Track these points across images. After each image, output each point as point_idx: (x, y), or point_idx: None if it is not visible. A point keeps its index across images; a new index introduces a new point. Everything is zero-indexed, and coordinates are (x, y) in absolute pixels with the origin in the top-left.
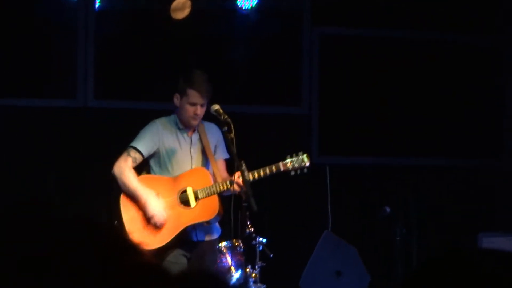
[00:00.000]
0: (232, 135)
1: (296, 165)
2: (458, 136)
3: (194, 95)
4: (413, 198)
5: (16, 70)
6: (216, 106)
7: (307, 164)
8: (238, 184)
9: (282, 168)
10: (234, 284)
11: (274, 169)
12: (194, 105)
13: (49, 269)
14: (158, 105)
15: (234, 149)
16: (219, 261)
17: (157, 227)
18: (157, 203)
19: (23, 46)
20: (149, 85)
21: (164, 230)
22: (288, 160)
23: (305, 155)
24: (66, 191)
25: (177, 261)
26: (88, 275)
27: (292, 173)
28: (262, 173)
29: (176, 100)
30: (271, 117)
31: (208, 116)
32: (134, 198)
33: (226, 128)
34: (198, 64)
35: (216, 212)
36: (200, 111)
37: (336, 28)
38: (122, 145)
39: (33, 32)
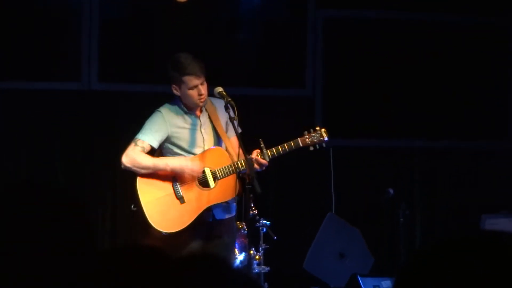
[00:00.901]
0: (236, 117)
1: (315, 140)
2: (462, 118)
3: (190, 80)
4: (416, 180)
5: (20, 53)
6: (220, 89)
7: (326, 139)
8: (258, 162)
9: (301, 144)
10: (238, 266)
11: (293, 145)
12: (195, 87)
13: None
14: (162, 87)
15: (238, 132)
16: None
17: (184, 201)
18: (179, 159)
19: (27, 29)
20: (153, 67)
21: (184, 213)
22: (307, 136)
23: (323, 130)
24: (71, 174)
25: (193, 246)
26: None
27: (311, 148)
28: (281, 150)
29: (176, 91)
30: (275, 99)
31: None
32: (152, 180)
33: (229, 110)
34: (202, 47)
35: (236, 192)
36: (203, 89)
37: (340, 10)
38: (127, 128)
39: (37, 15)
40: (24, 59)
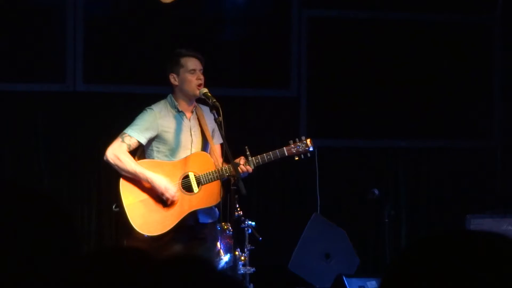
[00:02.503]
0: (220, 118)
1: (300, 150)
2: (447, 117)
3: (191, 62)
4: (401, 181)
5: (4, 55)
6: (205, 90)
7: (311, 148)
8: (242, 169)
9: (286, 153)
10: (223, 267)
11: (278, 154)
12: (194, 72)
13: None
14: (148, 88)
15: (223, 133)
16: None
17: (165, 209)
18: (162, 178)
19: (10, 30)
20: (138, 68)
21: (167, 217)
22: (292, 145)
23: (308, 140)
24: (56, 175)
25: (175, 250)
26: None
27: (296, 158)
28: (266, 158)
29: (173, 79)
30: (260, 100)
31: (198, 100)
32: (135, 182)
33: (214, 111)
34: (187, 46)
35: (220, 198)
36: (202, 77)
37: (324, 10)
38: (111, 129)
39: (21, 16)
40: (8, 61)
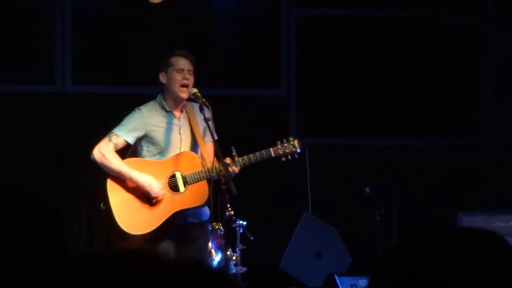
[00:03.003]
0: (211, 118)
1: (287, 151)
2: (437, 116)
3: (179, 61)
4: (392, 179)
5: None
6: (194, 90)
7: (298, 150)
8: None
9: (273, 154)
10: (215, 267)
11: (265, 154)
12: (182, 71)
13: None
14: (137, 89)
15: (214, 133)
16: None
17: (151, 209)
18: (147, 177)
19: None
20: (127, 69)
21: (153, 215)
22: (279, 146)
23: (296, 141)
24: (46, 176)
25: (164, 249)
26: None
27: (283, 159)
28: (252, 159)
29: (162, 77)
30: (250, 99)
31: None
32: (122, 181)
33: (204, 111)
34: (176, 46)
35: (206, 198)
36: (189, 78)
37: (314, 9)
38: (100, 130)
39: (10, 18)
40: None
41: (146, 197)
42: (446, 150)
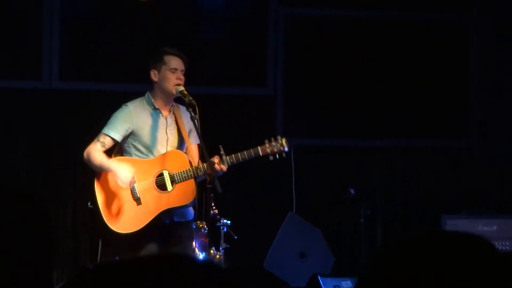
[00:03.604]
0: (197, 116)
1: (275, 150)
2: (424, 117)
3: (173, 60)
4: (377, 180)
5: None
6: (181, 88)
7: (286, 148)
8: (216, 169)
9: (261, 153)
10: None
11: (252, 153)
12: (175, 71)
13: None
14: (125, 86)
15: (199, 130)
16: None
17: (137, 208)
18: (119, 165)
19: None
20: (115, 66)
21: (140, 214)
22: (267, 145)
23: (283, 140)
24: (33, 172)
25: (150, 248)
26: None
27: (271, 157)
28: (240, 158)
29: (154, 75)
30: (236, 98)
31: (176, 99)
32: (109, 180)
33: (190, 109)
34: (164, 44)
35: (194, 197)
36: (183, 78)
37: (301, 8)
38: (88, 126)
39: None
40: None
41: (133, 196)
42: (432, 151)
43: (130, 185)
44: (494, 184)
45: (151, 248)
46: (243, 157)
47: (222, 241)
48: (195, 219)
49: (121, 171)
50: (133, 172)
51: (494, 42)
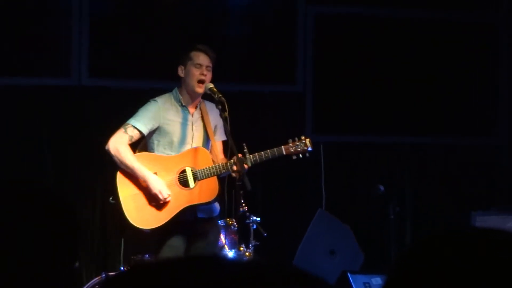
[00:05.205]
0: (226, 113)
1: (299, 149)
2: (452, 114)
3: (199, 56)
4: (407, 177)
5: (10, 49)
6: (210, 85)
7: (310, 148)
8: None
9: (284, 152)
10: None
11: (276, 152)
12: (200, 66)
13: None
14: (152, 83)
15: (228, 128)
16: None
17: (159, 205)
18: (158, 180)
19: (16, 24)
20: (143, 63)
21: (162, 210)
22: (291, 144)
23: (307, 140)
24: (61, 169)
25: (175, 244)
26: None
27: (294, 157)
28: (264, 156)
29: (181, 71)
30: (266, 95)
31: (205, 96)
32: (131, 175)
33: (220, 107)
34: (192, 42)
35: (216, 194)
36: (207, 74)
37: (330, 6)
38: (116, 124)
39: (27, 11)
40: (13, 55)
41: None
42: (462, 148)
43: (166, 199)
44: None
45: (175, 244)
46: (266, 156)
47: (251, 238)
48: (225, 216)
49: (160, 187)
50: (167, 188)
51: None
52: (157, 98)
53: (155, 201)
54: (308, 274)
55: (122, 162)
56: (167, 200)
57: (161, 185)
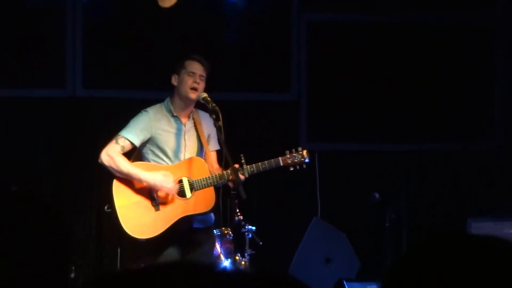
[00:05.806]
0: (220, 123)
1: (296, 160)
2: (448, 120)
3: (192, 64)
4: (402, 184)
5: (3, 60)
6: (204, 94)
7: (307, 160)
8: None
9: (282, 163)
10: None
11: (273, 163)
12: (194, 75)
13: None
14: (147, 93)
15: (222, 137)
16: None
17: (158, 208)
18: (155, 173)
19: (10, 35)
20: (137, 74)
21: (158, 220)
22: (288, 155)
23: (304, 151)
24: (56, 181)
25: (170, 254)
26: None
27: (291, 168)
28: (261, 167)
29: (174, 80)
30: (260, 104)
31: (198, 106)
32: (128, 184)
33: (214, 116)
34: (186, 51)
35: (213, 204)
36: (200, 82)
37: (324, 14)
38: (111, 134)
39: (20, 22)
40: (6, 66)
41: (152, 202)
42: (457, 154)
43: (175, 190)
44: None
45: (171, 254)
46: (263, 166)
47: (247, 247)
48: (220, 225)
49: (160, 179)
50: (171, 176)
51: None
52: (148, 109)
53: (153, 208)
54: (300, 283)
55: (117, 169)
56: (173, 191)
57: (161, 178)
